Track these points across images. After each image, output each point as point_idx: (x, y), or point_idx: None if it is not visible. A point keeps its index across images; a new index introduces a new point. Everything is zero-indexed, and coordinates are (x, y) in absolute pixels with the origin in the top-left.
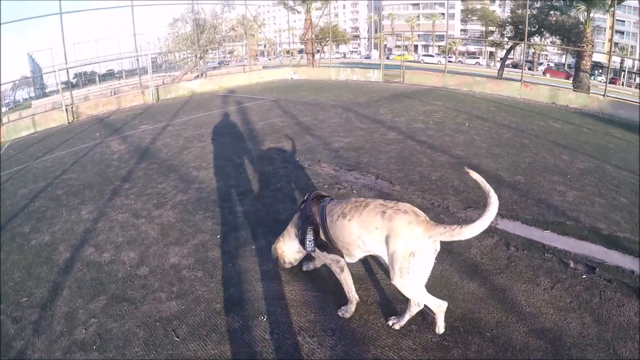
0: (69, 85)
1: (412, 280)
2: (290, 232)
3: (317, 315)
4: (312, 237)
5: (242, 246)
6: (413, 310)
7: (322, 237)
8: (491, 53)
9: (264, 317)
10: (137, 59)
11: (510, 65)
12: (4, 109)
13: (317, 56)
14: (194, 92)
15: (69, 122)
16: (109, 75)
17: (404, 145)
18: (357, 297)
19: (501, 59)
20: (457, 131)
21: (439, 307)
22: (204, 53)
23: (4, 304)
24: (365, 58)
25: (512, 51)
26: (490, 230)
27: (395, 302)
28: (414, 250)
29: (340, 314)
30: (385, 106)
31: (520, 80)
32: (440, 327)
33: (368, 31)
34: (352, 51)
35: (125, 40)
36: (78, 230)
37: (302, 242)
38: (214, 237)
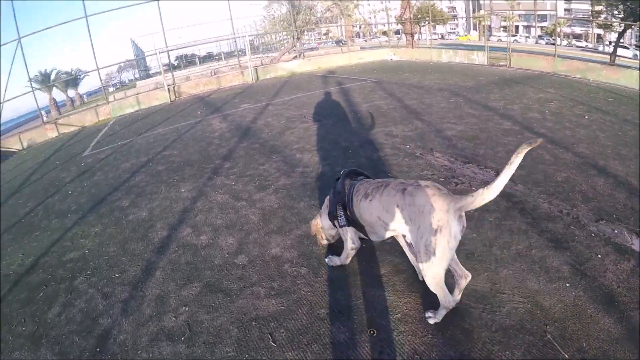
0: (171, 67)
1: (439, 260)
2: (326, 209)
3: (435, 337)
4: (343, 213)
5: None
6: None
7: (349, 214)
8: (599, 35)
9: (373, 332)
10: (235, 41)
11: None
12: (111, 89)
13: (415, 37)
14: (293, 72)
15: (171, 101)
16: (208, 58)
17: (521, 137)
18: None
19: (613, 42)
20: (577, 124)
21: (448, 304)
22: (301, 34)
23: (96, 277)
24: None
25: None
26: (625, 252)
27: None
28: (441, 225)
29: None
30: (495, 92)
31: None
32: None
33: (465, 10)
34: (450, 32)
35: (222, 24)
36: (176, 209)
37: (333, 218)
38: None
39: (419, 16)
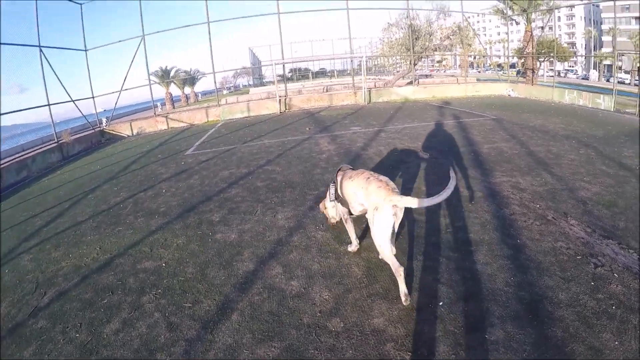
0: (284, 79)
1: (378, 231)
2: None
3: None
4: (333, 191)
5: (473, 331)
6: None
7: (339, 193)
8: None
9: None
10: (352, 60)
11: None
12: (225, 92)
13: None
14: (407, 98)
15: (280, 112)
16: (321, 74)
17: None
18: (357, 241)
19: None
20: None
21: (397, 270)
22: (418, 60)
23: (165, 300)
24: (583, 79)
25: None
26: None
27: None
28: (378, 206)
29: (348, 248)
30: (628, 146)
31: None
32: (403, 294)
33: (585, 47)
34: (568, 70)
35: (337, 42)
36: (269, 238)
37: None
38: (433, 302)
39: (544, 51)
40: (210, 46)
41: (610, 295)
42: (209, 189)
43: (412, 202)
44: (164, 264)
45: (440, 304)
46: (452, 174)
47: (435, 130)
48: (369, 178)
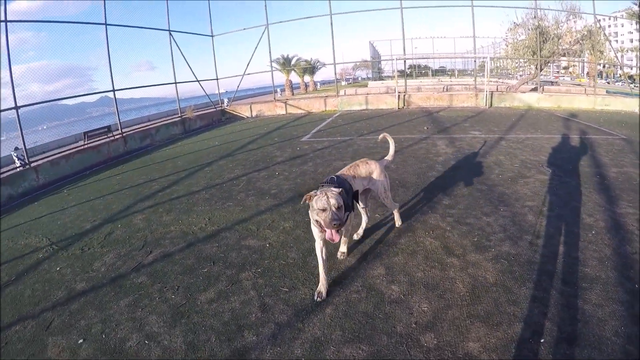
0: (405, 75)
1: (389, 189)
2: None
3: None
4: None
5: None
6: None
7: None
8: None
9: None
10: (475, 60)
11: None
12: (343, 83)
13: None
14: (530, 106)
15: (398, 108)
16: (440, 72)
17: None
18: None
19: None
20: None
21: (395, 207)
22: (544, 64)
23: (263, 280)
24: None
25: None
26: None
27: None
28: (381, 174)
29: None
30: None
31: None
32: (398, 221)
33: None
34: None
35: (459, 41)
36: (375, 236)
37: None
38: (535, 338)
39: None
40: (332, 37)
41: None
42: (322, 178)
43: (390, 158)
44: (267, 245)
45: (542, 341)
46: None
47: (560, 144)
48: (365, 162)
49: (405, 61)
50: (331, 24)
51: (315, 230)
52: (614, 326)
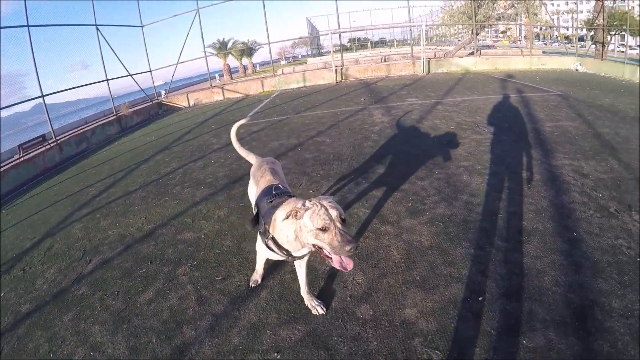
0: (341, 48)
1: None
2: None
3: None
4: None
5: (512, 334)
6: None
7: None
8: None
9: None
10: (410, 29)
11: None
12: (283, 62)
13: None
14: (468, 70)
15: (336, 82)
16: (381, 43)
17: None
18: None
19: None
20: None
21: None
22: (480, 29)
23: (199, 272)
24: None
25: None
26: None
27: None
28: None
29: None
30: None
31: None
32: None
33: None
34: (636, 47)
35: (397, 11)
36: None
37: None
38: (473, 296)
39: (615, 23)
40: (265, 17)
41: None
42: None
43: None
44: (203, 236)
45: (480, 298)
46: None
47: (496, 104)
48: (261, 165)
49: (340, 35)
50: (263, 2)
51: (261, 248)
52: (554, 276)
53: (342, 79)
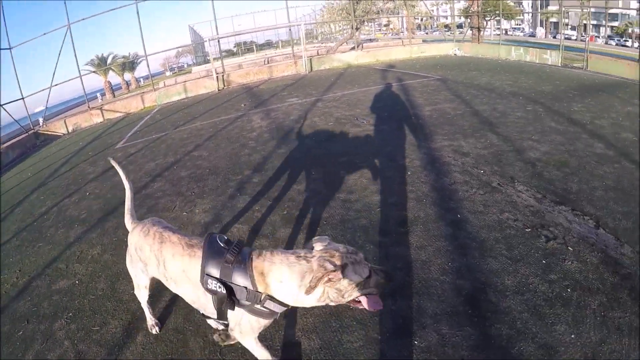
0: (221, 55)
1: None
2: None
3: None
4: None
5: (400, 336)
6: None
7: None
8: None
9: None
10: (290, 29)
11: None
12: (168, 73)
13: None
14: (350, 64)
15: (218, 90)
16: (267, 45)
17: (620, 168)
18: None
19: None
20: None
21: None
22: (360, 24)
23: (76, 324)
24: (530, 36)
25: None
26: None
27: None
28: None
29: None
30: (577, 101)
31: None
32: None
33: (532, 6)
34: (515, 28)
35: (281, 12)
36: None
37: None
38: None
39: (488, 9)
40: (140, 27)
41: (565, 274)
42: (136, 184)
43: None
44: (77, 282)
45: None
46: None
47: (377, 95)
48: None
49: (219, 41)
50: (137, 12)
51: (138, 289)
52: (440, 264)
53: (224, 85)
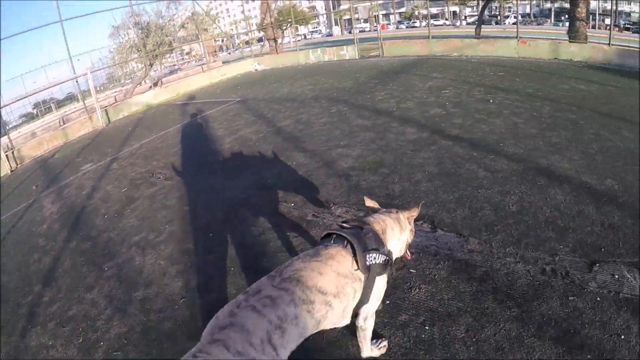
0: (3, 126)
1: None
2: None
3: None
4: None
5: None
6: None
7: None
8: (454, 12)
9: None
10: (77, 81)
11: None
12: None
13: (279, 41)
14: (149, 105)
15: (11, 171)
16: (69, 99)
17: (436, 148)
18: None
19: (477, 15)
20: (488, 113)
21: None
22: (154, 59)
23: None
24: (327, 36)
25: (480, 6)
26: None
27: None
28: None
29: None
30: (380, 88)
31: (517, 37)
32: None
33: (326, 8)
34: (313, 31)
35: (76, 62)
36: None
37: None
38: None
39: (281, 19)
40: None
41: (416, 307)
42: None
43: None
44: None
45: None
46: None
47: (174, 137)
48: None
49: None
50: None
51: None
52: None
53: (17, 164)
